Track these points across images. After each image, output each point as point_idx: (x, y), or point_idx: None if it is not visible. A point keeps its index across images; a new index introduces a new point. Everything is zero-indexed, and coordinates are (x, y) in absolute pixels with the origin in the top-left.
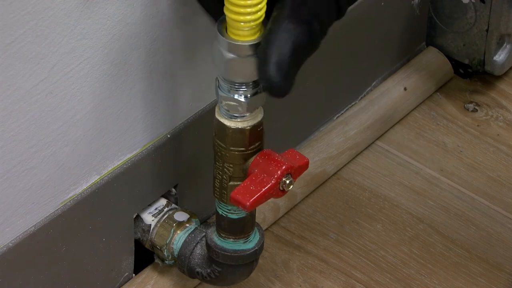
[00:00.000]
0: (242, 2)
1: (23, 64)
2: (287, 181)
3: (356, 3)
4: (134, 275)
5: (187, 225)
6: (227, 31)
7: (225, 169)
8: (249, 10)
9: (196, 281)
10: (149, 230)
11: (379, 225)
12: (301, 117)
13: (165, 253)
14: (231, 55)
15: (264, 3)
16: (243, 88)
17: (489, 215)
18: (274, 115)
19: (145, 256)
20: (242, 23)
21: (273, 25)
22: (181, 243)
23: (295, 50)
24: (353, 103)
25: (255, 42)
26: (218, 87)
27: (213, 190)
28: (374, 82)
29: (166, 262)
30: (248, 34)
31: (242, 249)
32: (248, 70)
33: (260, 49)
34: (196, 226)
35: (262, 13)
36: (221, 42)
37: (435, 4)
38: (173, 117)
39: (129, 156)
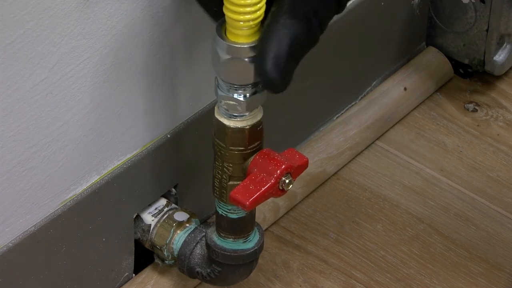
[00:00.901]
0: (242, 2)
1: (23, 64)
2: (287, 181)
3: (356, 2)
4: (134, 275)
5: (187, 225)
6: (226, 33)
7: (224, 168)
8: (248, 9)
9: (196, 281)
10: (149, 230)
11: (379, 225)
12: (301, 117)
13: (165, 253)
14: (230, 57)
15: (263, 3)
16: (243, 88)
17: (489, 215)
18: (273, 115)
19: (145, 256)
20: (242, 23)
21: (271, 21)
22: (181, 243)
23: (293, 46)
24: (353, 103)
25: (254, 44)
26: (218, 86)
27: (212, 189)
28: (374, 82)
29: (166, 262)
30: (248, 35)
31: (242, 249)
32: (247, 72)
33: (258, 44)
34: (196, 226)
35: (261, 12)
36: (220, 44)
37: (435, 4)
38: (173, 117)
39: (129, 156)
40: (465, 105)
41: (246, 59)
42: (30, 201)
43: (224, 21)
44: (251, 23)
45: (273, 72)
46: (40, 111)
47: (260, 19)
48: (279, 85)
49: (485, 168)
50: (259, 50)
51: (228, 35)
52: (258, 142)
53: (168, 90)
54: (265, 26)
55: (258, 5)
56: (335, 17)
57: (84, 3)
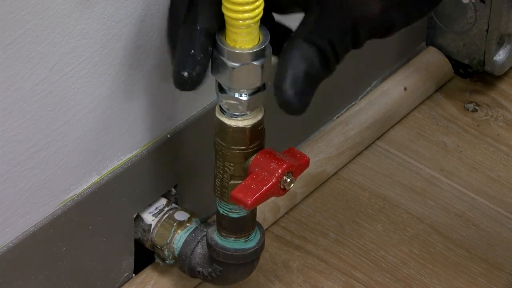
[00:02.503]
0: (240, 0)
1: (23, 64)
2: (288, 180)
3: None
4: (134, 275)
5: (188, 224)
6: (226, 38)
7: (225, 168)
8: (247, 7)
9: (196, 281)
10: (149, 230)
11: (379, 225)
12: (301, 117)
13: (165, 253)
14: (230, 63)
15: (261, 0)
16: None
17: (489, 215)
18: (274, 115)
19: (145, 256)
20: (241, 21)
21: (288, 44)
22: (181, 243)
23: (308, 69)
24: (353, 103)
25: (253, 50)
26: (218, 86)
27: (214, 189)
28: (374, 82)
29: (167, 261)
30: (247, 39)
31: (243, 248)
32: (248, 77)
33: (277, 67)
34: (197, 225)
35: (259, 10)
36: (220, 50)
37: None
38: (173, 117)
39: (129, 156)
40: (465, 105)
41: (247, 64)
42: (30, 201)
43: (222, 31)
44: (250, 21)
45: (289, 92)
46: (40, 111)
47: (259, 17)
48: (295, 106)
49: (485, 168)
50: (277, 71)
51: (228, 41)
52: (259, 142)
53: (168, 90)
54: (283, 49)
55: (256, 3)
56: None
57: (84, 3)
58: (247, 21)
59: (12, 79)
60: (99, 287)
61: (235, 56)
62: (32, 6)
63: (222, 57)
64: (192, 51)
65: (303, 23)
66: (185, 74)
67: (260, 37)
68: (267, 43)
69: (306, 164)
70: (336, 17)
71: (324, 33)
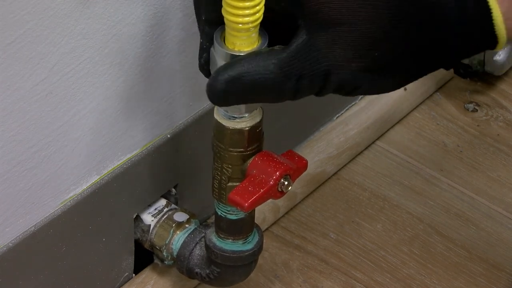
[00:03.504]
0: (241, 4)
1: (23, 64)
2: (286, 183)
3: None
4: (134, 275)
5: (187, 225)
6: (225, 41)
7: (224, 169)
8: (247, 12)
9: (195, 282)
10: (148, 230)
11: (379, 225)
12: (301, 117)
13: (164, 254)
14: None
15: (262, 5)
16: None
17: (489, 215)
18: (274, 115)
19: (145, 256)
20: (241, 25)
21: (268, 49)
22: (180, 244)
23: (258, 79)
24: (353, 103)
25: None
26: None
27: (212, 190)
28: None
29: (166, 262)
30: (246, 43)
31: (241, 250)
32: None
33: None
34: (196, 226)
35: (260, 14)
36: (218, 52)
37: None
38: (173, 117)
39: (129, 156)
40: (465, 105)
41: None
42: (30, 201)
43: (222, 29)
44: (250, 25)
45: (222, 76)
46: (40, 111)
47: (259, 21)
48: (214, 89)
49: (485, 168)
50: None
51: (227, 43)
52: (257, 144)
53: (168, 90)
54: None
55: (257, 8)
56: None
57: (84, 3)
58: (247, 25)
59: (12, 79)
60: (99, 287)
61: (231, 58)
62: (32, 6)
63: (220, 59)
64: (201, 40)
65: (288, 43)
66: (201, 61)
67: (259, 40)
68: (265, 46)
69: (304, 167)
70: (315, 55)
71: (299, 64)
